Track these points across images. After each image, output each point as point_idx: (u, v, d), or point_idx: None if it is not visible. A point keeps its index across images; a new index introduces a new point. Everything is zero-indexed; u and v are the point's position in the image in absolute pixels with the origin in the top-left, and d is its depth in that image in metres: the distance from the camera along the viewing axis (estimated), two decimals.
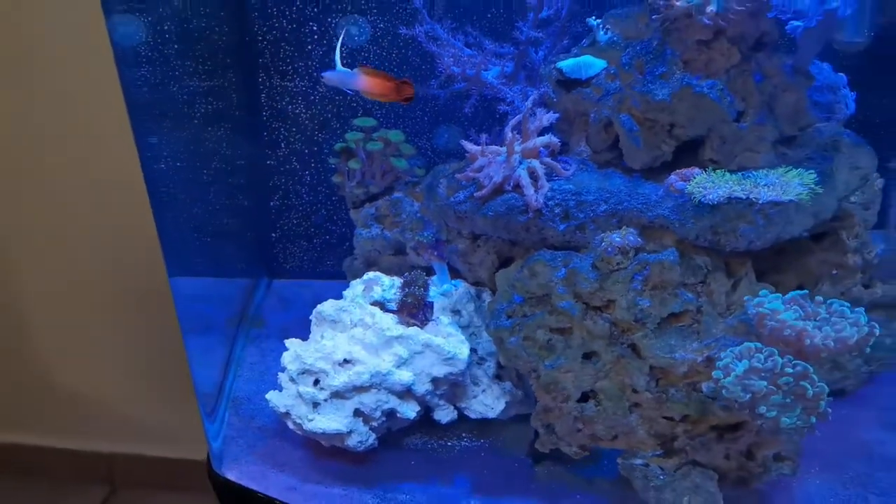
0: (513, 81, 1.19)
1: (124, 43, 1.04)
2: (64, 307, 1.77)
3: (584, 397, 1.03)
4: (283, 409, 1.08)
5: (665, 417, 1.00)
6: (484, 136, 1.07)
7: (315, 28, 1.40)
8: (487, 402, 1.12)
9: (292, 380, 1.08)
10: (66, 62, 1.50)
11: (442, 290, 1.18)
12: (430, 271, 1.22)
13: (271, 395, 1.10)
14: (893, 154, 1.12)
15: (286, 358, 1.09)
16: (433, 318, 1.09)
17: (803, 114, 1.04)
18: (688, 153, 1.05)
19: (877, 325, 0.88)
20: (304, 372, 1.07)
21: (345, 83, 1.04)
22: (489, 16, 1.30)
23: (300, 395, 1.07)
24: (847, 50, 1.19)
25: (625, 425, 1.01)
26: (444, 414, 1.11)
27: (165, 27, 1.23)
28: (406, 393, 1.07)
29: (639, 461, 1.03)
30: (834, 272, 1.12)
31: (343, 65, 1.03)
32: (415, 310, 1.07)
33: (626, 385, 1.00)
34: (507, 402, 1.12)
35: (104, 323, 1.76)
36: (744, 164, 1.02)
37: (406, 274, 1.16)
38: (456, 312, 1.16)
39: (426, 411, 1.12)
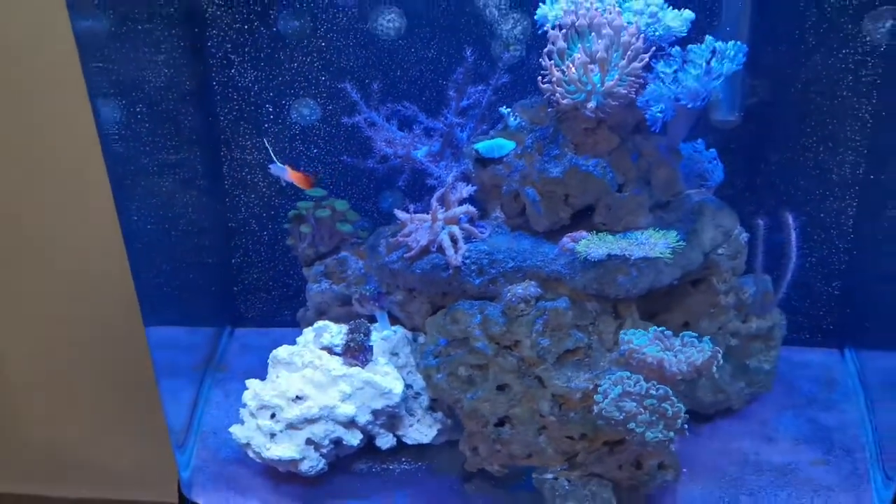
0: (440, 158, 1.41)
1: (106, 120, 1.23)
2: (40, 355, 1.91)
3: (501, 422, 1.22)
4: (244, 440, 1.26)
5: (567, 437, 1.20)
6: (412, 206, 1.28)
7: (270, 109, 1.60)
8: (422, 430, 1.31)
9: (252, 414, 1.26)
10: (56, 145, 1.68)
11: (383, 336, 1.37)
12: (372, 319, 1.41)
13: (234, 429, 1.27)
14: (758, 211, 1.36)
15: (246, 395, 1.27)
16: (372, 359, 1.29)
17: (674, 184, 1.28)
18: (583, 217, 1.27)
19: (720, 350, 1.09)
20: (262, 407, 1.25)
21: (281, 176, 1.39)
22: (423, 99, 1.52)
23: (259, 428, 1.25)
24: (722, 127, 1.45)
25: (536, 445, 1.21)
26: (385, 441, 1.29)
27: (138, 109, 1.42)
28: (350, 423, 1.25)
29: (549, 475, 1.22)
30: (711, 310, 1.34)
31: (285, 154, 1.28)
32: (357, 352, 1.27)
33: (535, 411, 1.20)
34: (438, 430, 1.31)
35: (80, 370, 1.91)
36: (627, 226, 1.24)
37: (351, 322, 1.35)
38: (394, 354, 1.35)
39: (369, 439, 1.30)
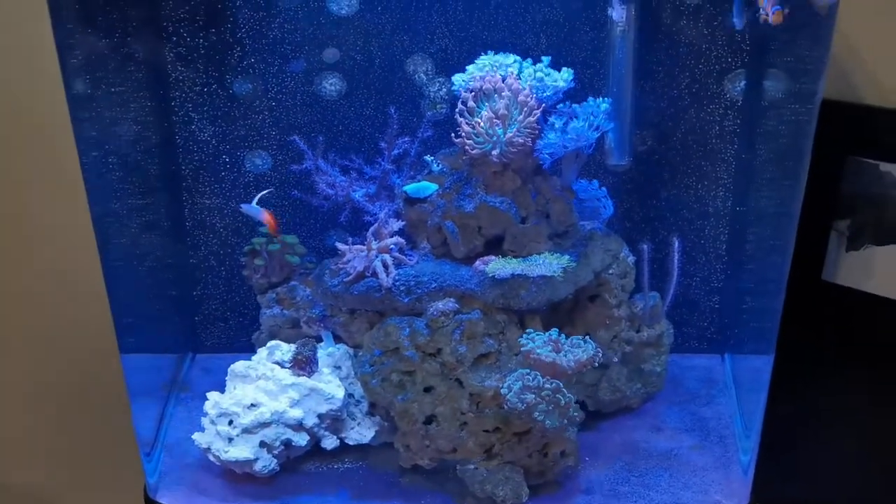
0: (377, 199, 1.65)
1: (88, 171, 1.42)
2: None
3: (429, 420, 1.43)
4: (204, 445, 1.44)
5: (484, 430, 1.41)
6: (350, 239, 1.51)
7: (227, 159, 1.80)
8: (362, 431, 1.50)
9: (212, 422, 1.44)
10: (38, 191, 1.86)
11: (328, 352, 1.58)
12: (319, 339, 1.62)
13: (196, 436, 1.46)
14: (643, 238, 1.62)
15: (208, 405, 1.46)
16: (317, 370, 1.49)
17: (568, 216, 1.52)
18: (494, 245, 1.51)
19: (600, 349, 1.33)
20: (221, 415, 1.44)
21: (253, 216, 1.59)
22: (363, 150, 1.74)
23: (218, 433, 1.43)
24: (616, 170, 1.72)
25: (459, 439, 1.42)
26: (329, 442, 1.49)
27: (110, 160, 1.61)
28: (299, 426, 1.44)
29: (471, 466, 1.43)
30: (607, 322, 1.59)
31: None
32: (304, 364, 1.47)
33: (456, 409, 1.41)
34: (376, 431, 1.50)
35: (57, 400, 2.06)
36: (531, 252, 1.48)
37: (299, 341, 1.56)
38: (337, 367, 1.55)
39: (316, 441, 1.49)
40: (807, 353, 1.67)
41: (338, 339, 1.61)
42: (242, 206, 1.58)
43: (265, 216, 1.58)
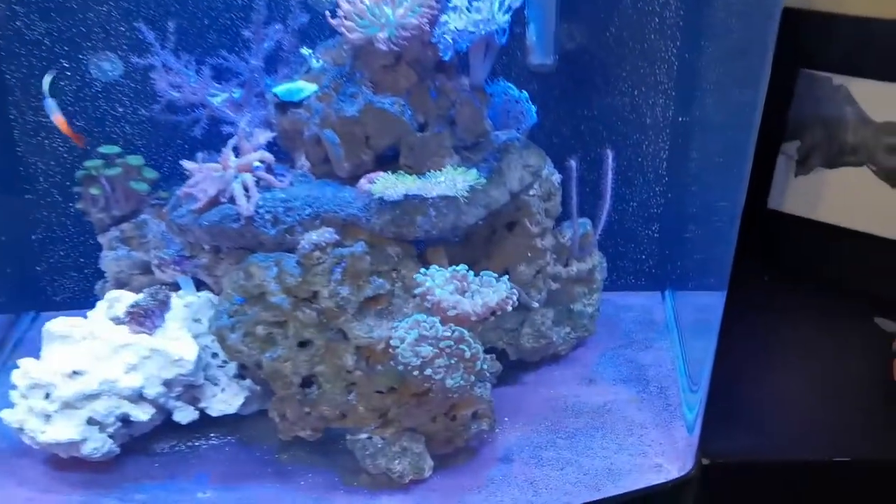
0: (246, 106, 1.31)
1: None
2: None
3: (307, 382, 1.14)
4: (16, 425, 1.12)
5: (377, 392, 1.13)
6: (201, 155, 1.17)
7: (66, 65, 1.44)
8: (227, 399, 1.21)
9: (23, 396, 1.12)
10: None
11: (185, 302, 1.26)
12: (177, 286, 1.30)
13: (4, 413, 1.13)
14: (570, 153, 1.34)
15: (15, 375, 1.13)
16: (161, 325, 1.17)
17: (479, 123, 1.23)
18: (388, 161, 1.21)
19: (515, 290, 1.06)
20: (34, 387, 1.11)
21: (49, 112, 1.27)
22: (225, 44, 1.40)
23: (31, 409, 1.11)
24: (539, 72, 1.43)
25: (346, 404, 1.14)
26: (184, 415, 1.18)
27: None
28: (138, 397, 1.13)
29: (363, 435, 1.15)
30: (528, 255, 1.31)
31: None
32: (141, 318, 1.15)
33: (340, 366, 1.13)
34: (246, 398, 1.21)
35: None
36: (432, 168, 1.19)
37: (148, 290, 1.23)
38: (197, 320, 1.24)
39: (167, 415, 1.19)
40: (751, 288, 1.51)
41: (201, 285, 1.30)
42: (46, 101, 1.23)
43: (56, 119, 1.25)
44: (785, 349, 1.43)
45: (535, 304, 1.28)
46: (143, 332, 1.15)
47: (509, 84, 1.36)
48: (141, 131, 1.46)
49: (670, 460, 1.16)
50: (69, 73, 1.42)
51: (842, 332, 1.46)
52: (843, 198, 1.53)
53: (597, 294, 1.41)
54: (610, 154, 1.30)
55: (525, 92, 1.36)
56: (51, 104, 1.25)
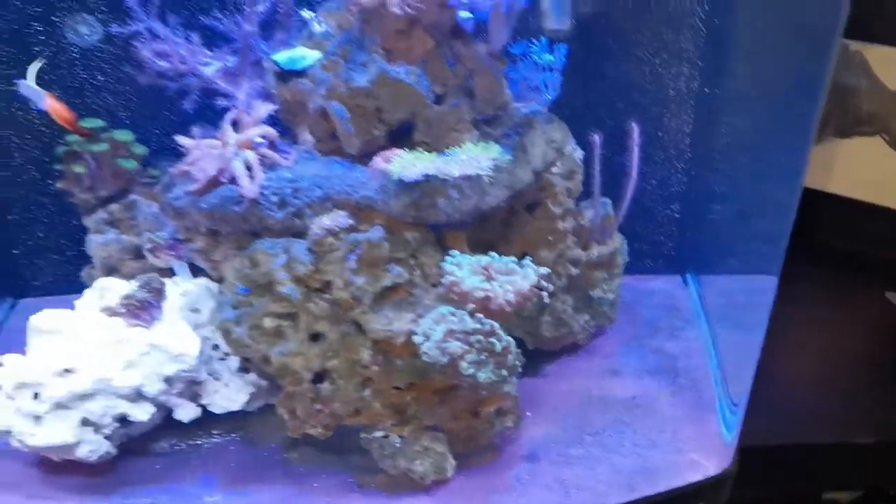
0: (241, 77, 1.20)
1: None
2: None
3: (319, 378, 1.06)
4: (4, 428, 1.02)
5: (395, 388, 1.05)
6: (197, 129, 1.07)
7: (41, 28, 1.32)
8: (230, 395, 1.12)
9: (9, 396, 1.02)
10: None
11: (181, 291, 1.16)
12: (172, 273, 1.20)
13: None
14: (594, 129, 1.25)
15: (0, 374, 1.03)
16: (160, 317, 1.08)
17: (499, 93, 1.13)
18: (403, 137, 1.11)
19: (545, 270, 0.97)
20: (20, 387, 1.02)
21: (34, 100, 1.17)
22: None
23: (19, 411, 1.01)
24: (554, 38, 1.32)
25: (361, 400, 1.06)
26: (186, 413, 1.10)
27: None
28: (137, 396, 1.04)
29: (378, 433, 1.07)
30: (549, 238, 1.23)
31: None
32: (138, 311, 1.05)
33: (355, 361, 1.04)
34: (251, 394, 1.13)
35: None
36: (450, 144, 1.09)
37: (141, 277, 1.13)
38: (196, 310, 1.15)
39: (168, 413, 1.10)
40: None
41: (198, 271, 1.21)
42: (20, 82, 1.12)
43: (48, 102, 1.14)
44: (797, 325, 1.38)
45: (551, 287, 1.20)
46: (140, 326, 1.06)
47: (537, 47, 1.24)
48: (125, 102, 1.35)
49: (707, 455, 1.09)
50: (43, 38, 1.30)
51: (853, 306, 1.43)
52: (856, 169, 1.50)
53: (617, 279, 1.33)
54: (636, 128, 1.21)
55: (551, 58, 1.26)
56: (33, 90, 1.17)
